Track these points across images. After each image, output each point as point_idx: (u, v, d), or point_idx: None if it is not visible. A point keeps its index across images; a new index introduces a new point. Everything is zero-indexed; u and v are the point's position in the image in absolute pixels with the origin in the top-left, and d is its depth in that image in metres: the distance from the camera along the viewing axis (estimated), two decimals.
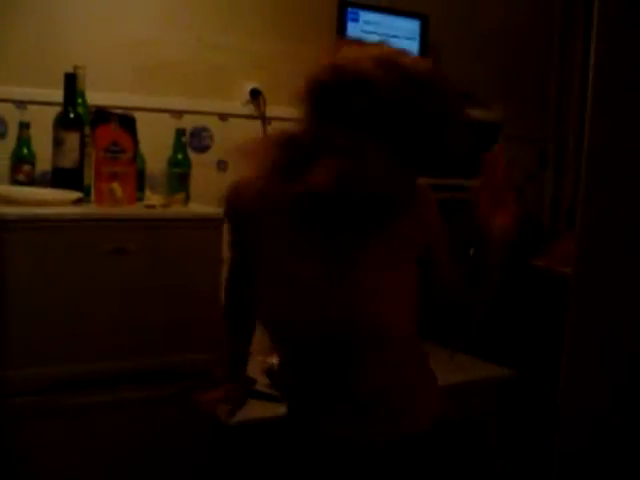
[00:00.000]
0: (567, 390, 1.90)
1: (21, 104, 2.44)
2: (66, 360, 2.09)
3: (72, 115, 2.28)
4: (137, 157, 2.32)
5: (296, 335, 1.46)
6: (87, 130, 2.28)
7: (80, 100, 2.33)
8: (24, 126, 2.35)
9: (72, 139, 2.27)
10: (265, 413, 2.31)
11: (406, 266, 1.47)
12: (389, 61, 1.29)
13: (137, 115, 2.32)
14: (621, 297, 1.78)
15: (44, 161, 2.33)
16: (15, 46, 2.43)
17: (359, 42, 1.37)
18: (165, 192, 2.49)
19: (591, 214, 1.82)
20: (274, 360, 2.46)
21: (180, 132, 2.57)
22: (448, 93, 1.32)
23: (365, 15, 2.97)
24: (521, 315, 3.29)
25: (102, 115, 2.25)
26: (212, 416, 1.64)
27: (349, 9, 2.93)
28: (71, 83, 2.29)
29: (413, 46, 3.02)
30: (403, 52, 1.34)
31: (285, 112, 2.88)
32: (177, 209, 2.34)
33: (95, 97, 2.39)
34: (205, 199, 2.55)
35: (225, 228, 2.19)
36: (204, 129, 2.79)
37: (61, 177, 2.28)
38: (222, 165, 2.83)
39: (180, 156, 2.56)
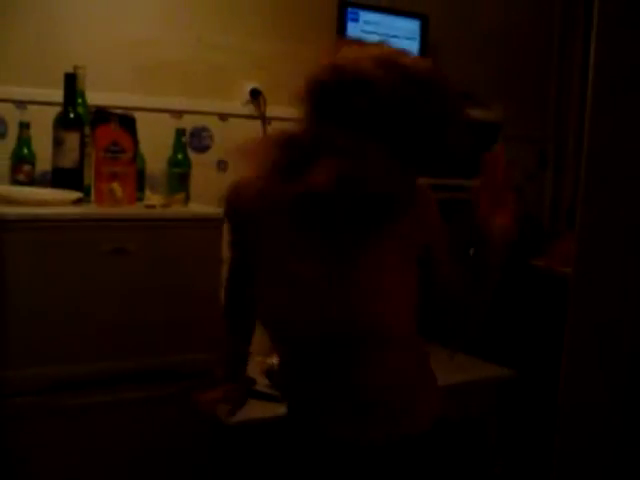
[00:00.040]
0: (567, 390, 1.90)
1: (21, 104, 2.44)
2: (66, 360, 2.09)
3: (72, 115, 2.28)
4: (137, 157, 2.32)
5: (296, 335, 1.46)
6: (87, 130, 2.28)
7: (80, 100, 2.33)
8: (24, 126, 2.35)
9: (72, 139, 2.27)
10: (265, 413, 2.31)
11: (406, 266, 1.47)
12: (389, 61, 1.30)
13: (137, 115, 2.32)
14: (621, 297, 1.78)
15: (44, 161, 2.33)
16: (15, 46, 2.43)
17: (359, 42, 1.37)
18: (165, 192, 2.49)
19: (591, 214, 1.82)
20: (274, 360, 2.47)
21: (180, 132, 2.57)
22: (448, 93, 1.32)
23: (365, 15, 2.97)
24: (521, 315, 3.29)
25: (102, 115, 2.25)
26: (212, 416, 1.64)
27: (349, 9, 2.93)
28: (71, 83, 2.29)
29: (413, 46, 3.02)
30: (403, 52, 1.34)
31: (285, 112, 2.88)
32: (177, 209, 2.34)
33: (95, 97, 2.39)
34: (205, 199, 2.55)
35: (225, 228, 2.20)
36: (204, 129, 2.79)
37: (61, 177, 2.28)
38: (222, 165, 2.83)
39: (180, 156, 2.56)
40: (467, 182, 1.43)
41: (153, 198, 2.34)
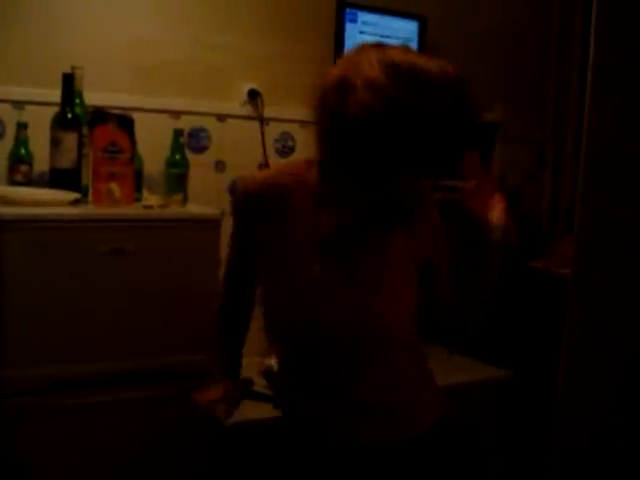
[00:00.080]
0: (566, 390, 1.90)
1: (19, 104, 2.43)
2: (65, 360, 2.08)
3: (70, 115, 2.27)
4: (135, 157, 2.31)
5: (298, 335, 1.46)
6: (85, 130, 2.28)
7: (78, 100, 2.33)
8: (22, 126, 2.34)
9: (70, 139, 2.27)
10: (264, 414, 2.31)
11: (407, 267, 1.47)
12: (407, 68, 1.27)
13: (135, 115, 2.31)
14: (620, 297, 1.78)
15: (42, 161, 2.33)
16: (13, 46, 2.43)
17: (380, 46, 1.34)
18: (163, 192, 2.48)
19: (589, 214, 1.82)
20: (272, 361, 2.46)
21: (178, 132, 2.57)
22: (469, 101, 1.29)
23: (363, 16, 2.96)
24: (519, 316, 3.29)
25: (100, 115, 2.25)
26: (211, 416, 1.63)
27: (347, 10, 2.93)
28: (69, 83, 2.28)
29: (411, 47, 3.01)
30: (425, 58, 1.31)
31: (283, 113, 2.93)
32: (175, 210, 2.33)
33: (93, 97, 2.38)
34: (203, 200, 2.55)
35: (224, 229, 2.20)
36: (202, 130, 2.79)
37: (59, 177, 2.28)
38: (220, 166, 2.83)
39: (178, 157, 2.56)
40: (459, 183, 1.42)
41: (151, 199, 2.33)
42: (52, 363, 2.07)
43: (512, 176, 3.52)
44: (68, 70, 2.30)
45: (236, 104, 2.84)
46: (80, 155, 2.28)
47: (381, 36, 2.96)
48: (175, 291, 2.20)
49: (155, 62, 2.66)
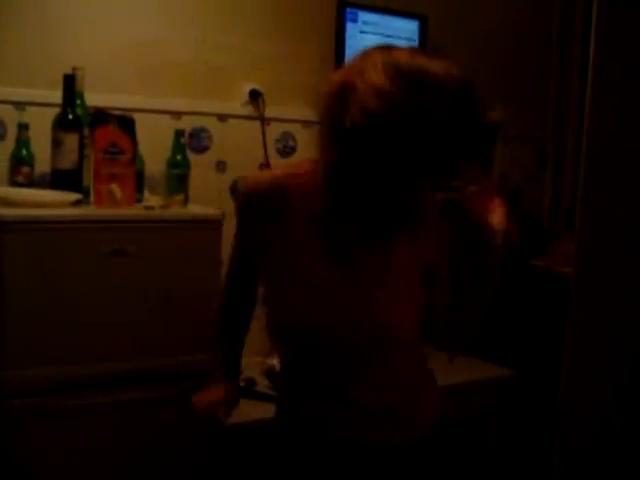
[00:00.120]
0: (567, 390, 1.90)
1: (20, 105, 2.43)
2: (65, 361, 2.08)
3: (71, 116, 2.27)
4: (136, 158, 2.31)
5: (298, 335, 1.46)
6: (86, 131, 2.28)
7: (79, 101, 2.33)
8: (23, 127, 2.34)
9: (71, 140, 2.27)
10: (266, 414, 2.30)
11: (411, 269, 1.47)
12: (413, 72, 1.26)
13: (136, 116, 2.31)
14: (621, 297, 1.78)
15: (43, 162, 2.33)
16: (13, 47, 2.43)
17: (388, 48, 1.33)
18: (164, 193, 2.49)
19: (590, 214, 1.82)
20: (274, 361, 2.47)
21: (179, 133, 2.57)
22: (476, 106, 1.28)
23: (364, 15, 2.97)
24: (521, 315, 3.29)
25: (101, 116, 2.25)
26: (211, 417, 1.63)
27: (348, 9, 2.93)
28: (70, 84, 2.28)
29: None
30: (434, 61, 1.30)
31: (284, 113, 2.93)
32: (176, 210, 2.33)
33: (94, 98, 2.39)
34: (204, 200, 2.55)
35: (225, 229, 2.20)
36: (203, 130, 2.79)
37: (60, 178, 2.28)
38: (221, 166, 2.83)
39: (179, 157, 2.56)
40: (459, 183, 1.42)
41: (152, 199, 2.34)
42: (52, 364, 2.07)
43: (513, 176, 3.52)
44: (69, 71, 2.30)
45: (237, 104, 2.84)
46: (81, 156, 2.29)
47: (382, 36, 2.96)
48: (176, 292, 2.20)
49: (157, 63, 2.66)
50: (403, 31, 3.04)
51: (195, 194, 2.56)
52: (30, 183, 2.33)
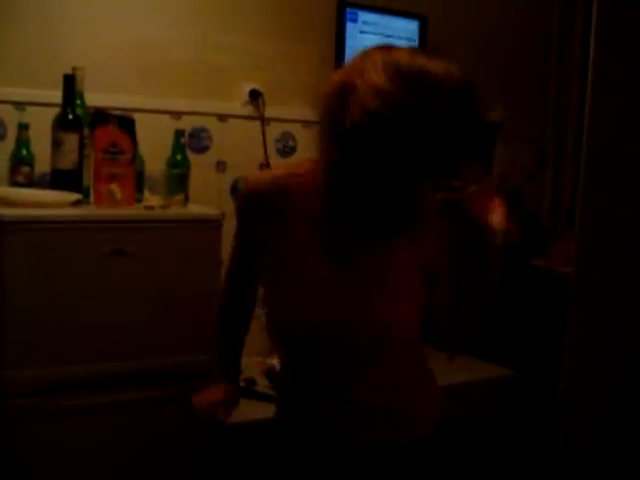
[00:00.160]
0: (567, 390, 1.90)
1: (20, 105, 2.43)
2: (65, 361, 2.08)
3: (71, 116, 2.27)
4: (136, 158, 2.31)
5: (298, 335, 1.46)
6: (86, 131, 2.28)
7: (79, 101, 2.33)
8: (23, 127, 2.34)
9: (71, 140, 2.27)
10: (266, 414, 2.30)
11: (411, 269, 1.47)
12: (413, 73, 1.26)
13: (136, 116, 2.31)
14: (621, 297, 1.78)
15: (43, 162, 2.33)
16: (14, 47, 2.43)
17: (387, 48, 1.33)
18: (164, 193, 2.48)
19: (590, 214, 1.82)
20: (274, 361, 2.46)
21: (179, 133, 2.57)
22: (476, 106, 1.28)
23: (364, 15, 2.97)
24: (521, 315, 3.29)
25: (101, 116, 2.25)
26: (210, 417, 1.63)
27: (348, 9, 2.93)
28: (70, 84, 2.28)
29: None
30: (434, 61, 1.30)
31: (284, 113, 2.93)
32: (176, 210, 2.33)
33: (94, 98, 2.38)
34: (204, 200, 2.55)
35: (225, 229, 2.20)
36: (203, 130, 2.79)
37: (60, 178, 2.28)
38: (221, 166, 2.83)
39: (179, 157, 2.56)
40: (459, 182, 1.41)
41: (152, 199, 2.34)
42: (52, 364, 2.07)
43: (513, 176, 3.52)
44: (69, 71, 2.30)
45: (237, 104, 2.84)
46: (81, 156, 2.28)
47: (382, 36, 2.96)
48: (176, 292, 2.20)
49: (157, 63, 2.66)
50: (403, 31, 3.04)
51: (195, 194, 2.55)
52: (30, 183, 2.33)
